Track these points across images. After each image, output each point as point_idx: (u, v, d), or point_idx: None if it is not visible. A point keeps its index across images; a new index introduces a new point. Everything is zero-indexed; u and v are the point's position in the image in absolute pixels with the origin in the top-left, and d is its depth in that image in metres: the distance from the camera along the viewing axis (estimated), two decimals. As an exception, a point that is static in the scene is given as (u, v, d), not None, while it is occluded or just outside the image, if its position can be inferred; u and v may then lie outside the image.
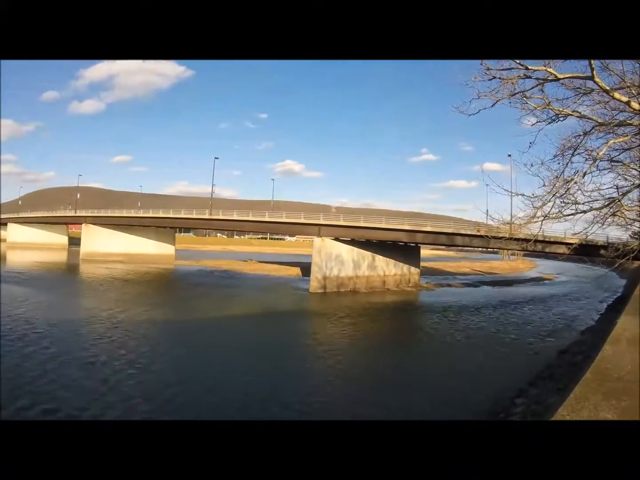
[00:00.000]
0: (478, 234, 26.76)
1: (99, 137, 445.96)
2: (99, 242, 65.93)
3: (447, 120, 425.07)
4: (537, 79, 9.07)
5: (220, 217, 55.26)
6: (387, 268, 45.45)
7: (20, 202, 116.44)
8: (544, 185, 9.78)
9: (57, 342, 18.66)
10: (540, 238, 24.39)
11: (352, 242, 42.79)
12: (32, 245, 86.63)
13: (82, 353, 17.43)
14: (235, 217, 53.36)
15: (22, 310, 25.59)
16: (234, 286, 44.29)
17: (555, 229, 22.59)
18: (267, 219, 50.46)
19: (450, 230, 38.86)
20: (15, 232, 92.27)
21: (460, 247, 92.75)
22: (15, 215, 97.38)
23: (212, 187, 62.10)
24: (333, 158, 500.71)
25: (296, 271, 56.78)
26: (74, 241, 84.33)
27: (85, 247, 66.12)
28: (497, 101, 9.30)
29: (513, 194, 10.10)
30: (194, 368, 16.45)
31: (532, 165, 9.70)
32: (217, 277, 51.16)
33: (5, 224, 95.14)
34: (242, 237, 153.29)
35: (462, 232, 38.23)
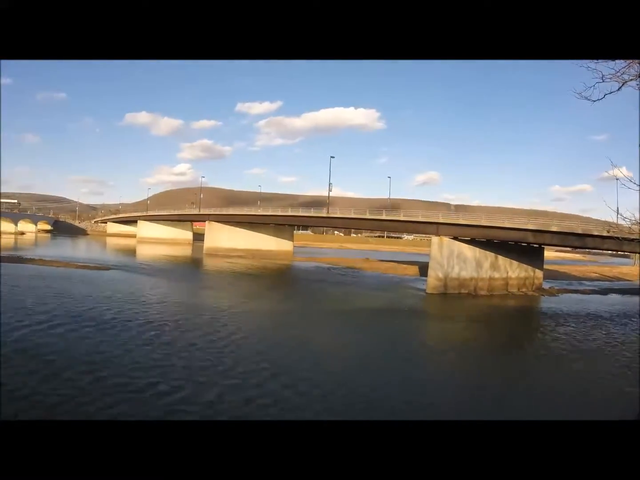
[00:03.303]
0: (608, 235, 25.83)
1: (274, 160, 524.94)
2: (221, 238, 73.75)
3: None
4: None
5: (338, 215, 58.79)
6: (511, 269, 44.95)
7: (148, 202, 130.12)
8: None
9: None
10: (678, 240, 23.47)
11: (472, 242, 42.58)
12: (160, 241, 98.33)
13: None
14: (352, 216, 55.81)
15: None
16: (350, 284, 47.04)
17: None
18: (384, 217, 51.63)
19: (579, 231, 37.76)
20: (145, 229, 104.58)
21: (587, 250, 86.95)
22: (145, 214, 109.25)
23: (329, 185, 65.21)
24: (454, 158, 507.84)
25: (413, 270, 58.57)
26: (198, 237, 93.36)
27: (209, 243, 74.34)
28: (624, 83, 8.50)
29: (646, 189, 10.09)
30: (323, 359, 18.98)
31: None
32: (334, 274, 54.67)
33: (136, 221, 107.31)
34: (359, 235, 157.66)
35: (593, 233, 36.47)
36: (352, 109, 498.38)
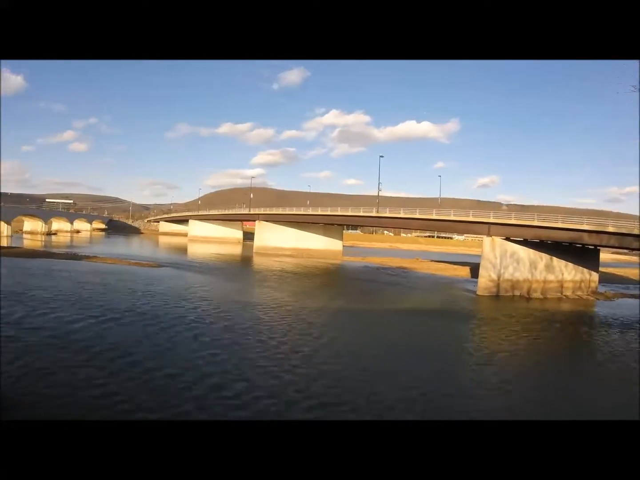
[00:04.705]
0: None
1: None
2: (271, 237, 76.25)
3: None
4: None
5: (387, 214, 59.33)
6: (566, 271, 43.82)
7: (199, 202, 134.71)
8: None
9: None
10: None
11: (524, 243, 41.84)
12: (210, 239, 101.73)
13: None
14: (401, 215, 56.10)
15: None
16: (400, 284, 47.71)
17: None
18: (434, 216, 50.90)
19: (637, 232, 36.20)
20: (196, 228, 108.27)
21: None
22: (196, 213, 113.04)
23: (379, 184, 65.96)
24: (513, 159, 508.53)
25: (464, 271, 58.78)
26: (248, 236, 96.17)
27: (258, 242, 77.02)
28: None
29: None
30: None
31: None
32: (384, 274, 55.60)
33: (187, 221, 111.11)
34: (408, 235, 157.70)
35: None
36: (427, 123, 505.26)
